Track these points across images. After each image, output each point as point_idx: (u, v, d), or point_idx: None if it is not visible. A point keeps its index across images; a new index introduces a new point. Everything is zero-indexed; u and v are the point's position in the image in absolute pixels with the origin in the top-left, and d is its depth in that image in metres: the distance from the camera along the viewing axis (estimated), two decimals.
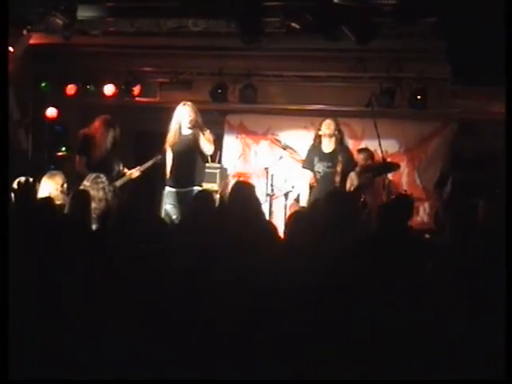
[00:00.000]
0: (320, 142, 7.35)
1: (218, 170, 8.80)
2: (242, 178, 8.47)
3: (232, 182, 8.31)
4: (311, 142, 7.53)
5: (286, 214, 7.57)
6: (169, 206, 7.06)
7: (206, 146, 7.06)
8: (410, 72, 8.33)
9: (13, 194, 5.04)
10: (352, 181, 7.63)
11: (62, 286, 3.49)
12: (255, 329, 3.28)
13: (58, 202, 5.61)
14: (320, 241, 3.97)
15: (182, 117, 7.06)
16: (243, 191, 5.19)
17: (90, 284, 3.49)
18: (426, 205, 8.68)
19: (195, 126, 7.01)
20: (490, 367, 3.04)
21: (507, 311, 3.12)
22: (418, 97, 8.27)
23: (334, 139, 7.28)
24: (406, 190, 8.41)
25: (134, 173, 7.27)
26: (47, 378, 3.20)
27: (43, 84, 9.03)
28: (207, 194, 5.68)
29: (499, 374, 3.00)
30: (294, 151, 8.40)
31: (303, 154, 7.72)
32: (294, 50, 8.10)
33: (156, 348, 3.24)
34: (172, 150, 7.14)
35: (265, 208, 7.41)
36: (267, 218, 7.42)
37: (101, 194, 5.80)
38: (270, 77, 8.88)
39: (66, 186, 6.33)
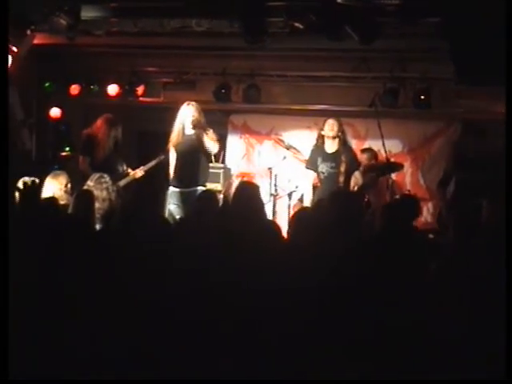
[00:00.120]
0: (323, 143, 7.31)
1: (221, 170, 8.78)
2: (245, 178, 8.47)
3: (236, 182, 8.32)
4: (314, 142, 7.52)
5: (289, 214, 7.56)
6: (172, 206, 7.05)
7: (211, 144, 7.05)
8: (413, 72, 8.31)
9: (17, 194, 5.06)
10: (356, 181, 7.63)
11: (66, 286, 3.50)
12: (258, 329, 3.28)
13: (61, 202, 5.63)
14: (324, 241, 3.96)
15: (186, 117, 7.06)
16: (247, 191, 5.20)
17: (93, 284, 3.50)
18: (430, 205, 8.64)
19: (198, 125, 7.01)
20: (491, 367, 3.04)
21: (508, 311, 3.12)
22: (422, 97, 8.24)
23: (337, 140, 7.25)
24: (409, 190, 8.39)
25: (138, 173, 7.25)
26: (48, 378, 3.20)
27: (47, 84, 9.03)
28: (211, 194, 5.69)
29: (500, 374, 3.00)
30: (298, 151, 8.40)
31: (307, 154, 7.70)
32: (297, 50, 8.09)
33: (159, 348, 3.25)
34: (176, 150, 7.14)
35: (268, 208, 7.42)
36: (271, 217, 7.44)
37: (104, 193, 5.81)
38: (273, 77, 8.86)
39: (69, 185, 6.34)
